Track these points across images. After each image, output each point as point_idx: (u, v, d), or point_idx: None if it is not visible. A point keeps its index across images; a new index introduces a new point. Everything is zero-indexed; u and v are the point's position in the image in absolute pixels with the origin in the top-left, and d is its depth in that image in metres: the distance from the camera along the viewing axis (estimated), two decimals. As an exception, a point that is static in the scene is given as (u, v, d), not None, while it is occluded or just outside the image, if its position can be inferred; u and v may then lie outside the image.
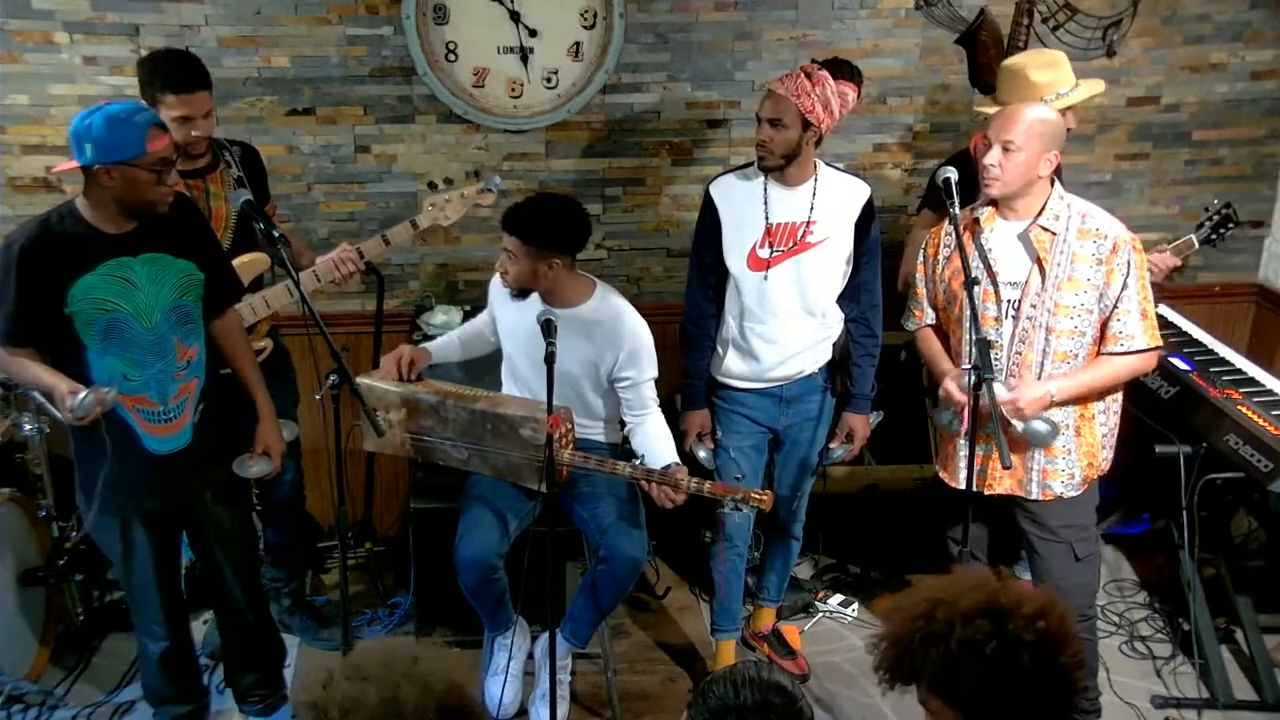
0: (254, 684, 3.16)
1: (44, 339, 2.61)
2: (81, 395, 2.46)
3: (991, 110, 3.24)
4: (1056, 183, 2.80)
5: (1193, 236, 3.64)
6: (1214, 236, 3.64)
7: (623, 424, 3.20)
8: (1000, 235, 2.81)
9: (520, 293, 3.05)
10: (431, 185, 3.42)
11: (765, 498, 2.83)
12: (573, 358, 3.07)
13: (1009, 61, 3.33)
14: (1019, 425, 2.78)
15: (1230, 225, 3.62)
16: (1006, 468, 2.79)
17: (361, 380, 3.24)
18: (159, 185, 2.54)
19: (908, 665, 1.71)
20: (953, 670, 1.65)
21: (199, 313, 2.75)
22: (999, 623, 1.65)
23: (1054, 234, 2.74)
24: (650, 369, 3.12)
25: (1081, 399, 2.83)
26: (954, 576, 1.80)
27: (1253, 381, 3.42)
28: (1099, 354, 2.81)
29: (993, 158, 2.74)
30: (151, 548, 2.81)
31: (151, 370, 2.66)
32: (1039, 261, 2.75)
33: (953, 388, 2.86)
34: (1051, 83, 3.18)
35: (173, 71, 2.98)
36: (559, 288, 3.06)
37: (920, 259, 2.99)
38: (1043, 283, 2.76)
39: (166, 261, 2.65)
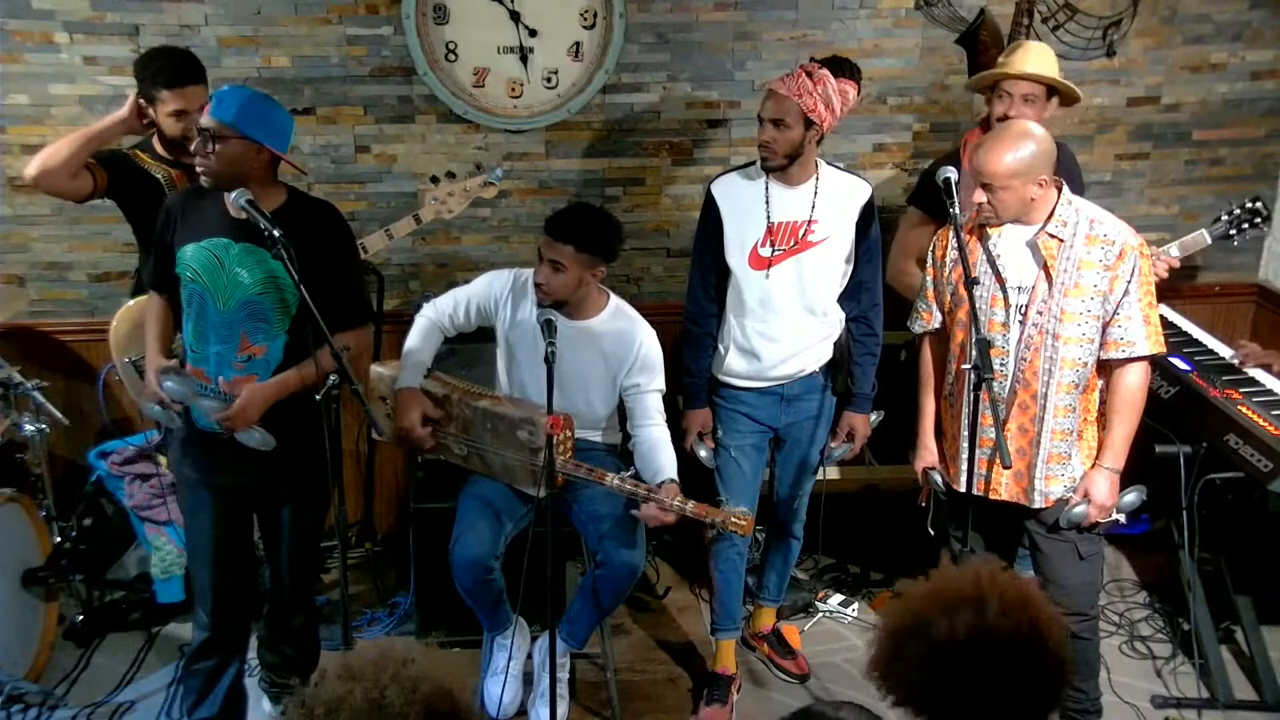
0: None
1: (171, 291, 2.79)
2: (152, 405, 2.75)
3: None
4: (1065, 188, 2.78)
5: (1204, 232, 3.61)
6: (1233, 231, 3.60)
7: (626, 436, 3.20)
8: (1008, 240, 2.80)
9: (556, 304, 3.01)
10: (434, 179, 3.43)
11: (745, 523, 2.84)
12: (586, 370, 3.08)
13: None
14: (1119, 517, 2.90)
15: (1258, 220, 3.58)
16: (1006, 467, 2.80)
17: (374, 368, 3.28)
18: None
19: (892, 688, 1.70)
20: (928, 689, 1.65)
21: (278, 317, 2.72)
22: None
23: (1061, 240, 2.73)
24: (658, 380, 3.12)
25: (1128, 439, 2.83)
26: (931, 588, 1.75)
27: (1253, 381, 3.42)
28: (1100, 361, 2.80)
29: (980, 197, 2.73)
30: (212, 512, 2.82)
31: (211, 349, 2.72)
32: (1046, 268, 2.74)
33: (928, 475, 3.00)
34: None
35: (167, 67, 3.02)
36: (585, 300, 3.07)
37: (930, 261, 2.98)
38: (1049, 289, 2.74)
39: (261, 257, 2.67)
